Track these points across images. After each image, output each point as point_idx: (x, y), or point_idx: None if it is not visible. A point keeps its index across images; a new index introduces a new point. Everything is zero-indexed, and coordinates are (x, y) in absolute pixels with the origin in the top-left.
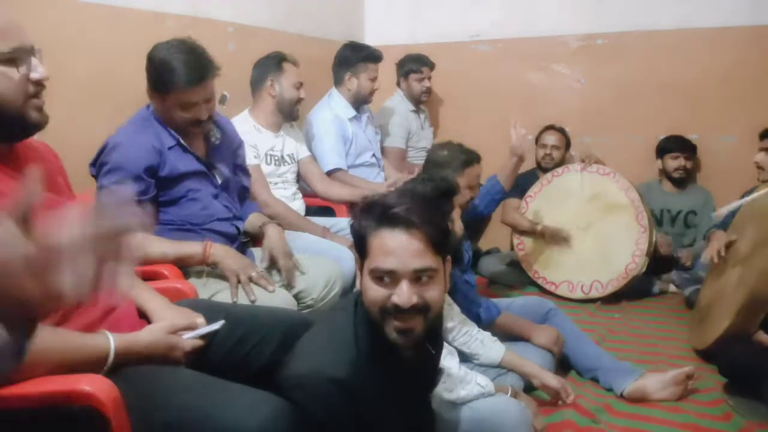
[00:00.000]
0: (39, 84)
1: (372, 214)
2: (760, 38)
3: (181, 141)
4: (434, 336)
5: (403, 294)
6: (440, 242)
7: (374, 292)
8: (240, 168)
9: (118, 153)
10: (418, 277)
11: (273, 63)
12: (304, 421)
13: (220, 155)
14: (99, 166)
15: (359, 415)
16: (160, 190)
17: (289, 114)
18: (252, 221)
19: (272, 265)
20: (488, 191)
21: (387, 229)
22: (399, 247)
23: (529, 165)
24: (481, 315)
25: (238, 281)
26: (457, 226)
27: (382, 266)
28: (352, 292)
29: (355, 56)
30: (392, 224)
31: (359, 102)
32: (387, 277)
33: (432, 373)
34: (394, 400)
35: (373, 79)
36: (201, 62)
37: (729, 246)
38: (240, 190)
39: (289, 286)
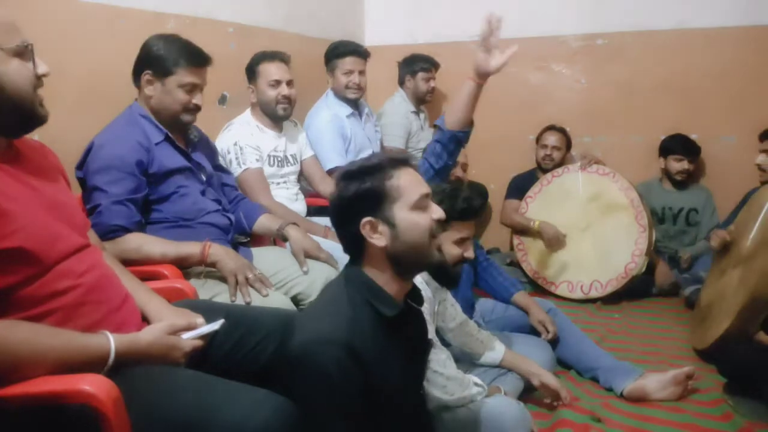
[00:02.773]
0: (39, 79)
1: (373, 171)
2: (760, 38)
3: (170, 135)
4: (416, 294)
5: (440, 209)
6: None
7: (423, 219)
8: (219, 167)
9: (106, 151)
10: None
11: (250, 70)
12: (308, 406)
13: (201, 153)
14: (86, 168)
15: (368, 378)
16: (152, 187)
17: (274, 114)
18: (266, 224)
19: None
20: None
21: (400, 169)
22: (419, 178)
23: (528, 165)
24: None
25: (237, 281)
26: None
27: (424, 191)
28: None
29: (329, 54)
30: (402, 165)
31: (343, 98)
32: (425, 202)
33: (422, 333)
34: (394, 363)
35: (347, 73)
36: (200, 49)
37: (730, 240)
38: (222, 187)
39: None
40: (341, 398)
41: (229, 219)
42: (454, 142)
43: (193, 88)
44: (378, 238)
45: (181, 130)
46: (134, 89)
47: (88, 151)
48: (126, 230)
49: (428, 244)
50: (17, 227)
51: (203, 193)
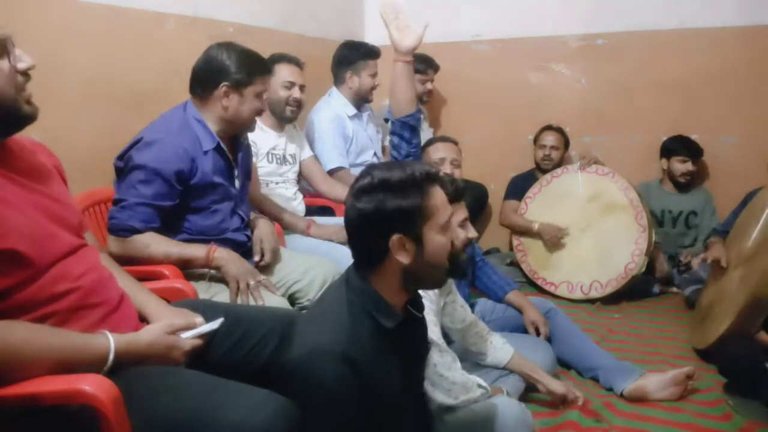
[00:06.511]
0: (26, 74)
1: (411, 185)
2: (760, 38)
3: (221, 144)
4: (416, 300)
5: (473, 230)
6: None
7: (447, 241)
8: (249, 175)
9: (152, 151)
10: None
11: None
12: (307, 418)
13: (244, 159)
14: (127, 159)
15: (368, 389)
16: (188, 198)
17: (281, 114)
18: None
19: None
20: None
21: (434, 186)
22: (444, 196)
23: (528, 165)
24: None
25: (239, 287)
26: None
27: (451, 212)
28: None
29: (354, 54)
30: (435, 181)
31: (361, 100)
32: (450, 223)
33: (422, 338)
34: (393, 370)
35: (374, 75)
36: (260, 56)
37: (718, 261)
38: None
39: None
40: (342, 411)
41: (247, 236)
42: (407, 128)
43: (263, 94)
44: (404, 255)
45: (236, 135)
46: (133, 89)
47: (134, 143)
48: (138, 232)
49: (446, 264)
50: (8, 229)
51: (233, 209)
